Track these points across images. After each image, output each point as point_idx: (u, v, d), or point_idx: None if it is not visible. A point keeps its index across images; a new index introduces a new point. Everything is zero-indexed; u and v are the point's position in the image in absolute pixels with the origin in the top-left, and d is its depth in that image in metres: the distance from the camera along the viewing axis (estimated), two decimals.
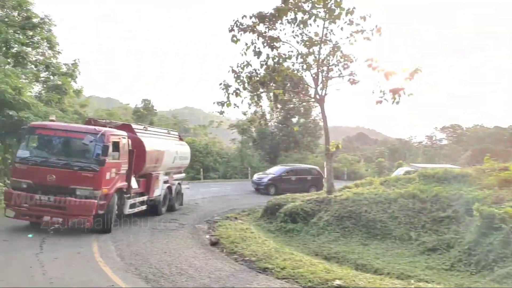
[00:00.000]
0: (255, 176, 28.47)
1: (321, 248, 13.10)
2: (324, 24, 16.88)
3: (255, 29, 17.13)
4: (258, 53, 17.27)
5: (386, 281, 9.33)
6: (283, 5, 16.67)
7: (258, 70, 17.53)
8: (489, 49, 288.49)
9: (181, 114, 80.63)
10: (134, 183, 13.63)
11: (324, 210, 15.58)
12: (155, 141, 15.53)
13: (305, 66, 17.81)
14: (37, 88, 22.35)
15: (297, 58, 17.60)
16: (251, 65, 17.52)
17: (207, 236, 13.47)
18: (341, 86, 18.56)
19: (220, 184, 30.87)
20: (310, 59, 17.59)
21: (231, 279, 8.88)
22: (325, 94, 17.94)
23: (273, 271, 9.54)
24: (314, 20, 16.69)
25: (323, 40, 17.18)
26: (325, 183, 20.42)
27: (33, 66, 22.33)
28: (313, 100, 20.15)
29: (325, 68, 17.74)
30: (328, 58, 17.59)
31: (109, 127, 13.42)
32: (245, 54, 17.30)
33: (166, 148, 16.30)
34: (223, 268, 9.76)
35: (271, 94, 20.33)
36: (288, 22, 17.07)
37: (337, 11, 16.24)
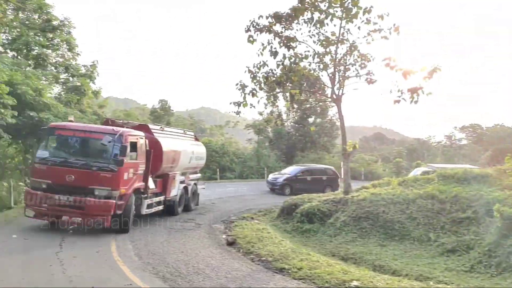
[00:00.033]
0: (270, 176, 28.41)
1: (338, 248, 12.99)
2: (341, 23, 16.77)
3: (271, 29, 17.13)
4: (274, 53, 17.25)
5: (405, 282, 9.24)
6: (299, 4, 16.62)
7: (275, 70, 17.55)
8: (489, 49, 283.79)
9: (198, 115, 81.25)
10: (151, 183, 13.72)
11: (341, 211, 15.45)
12: (171, 141, 15.62)
13: (321, 66, 17.73)
14: (56, 89, 22.80)
15: (313, 58, 17.56)
16: (267, 65, 17.56)
17: (224, 236, 13.52)
18: (358, 86, 18.36)
19: (236, 184, 30.92)
20: (327, 58, 17.52)
21: (247, 279, 8.89)
22: (342, 94, 17.84)
23: (289, 271, 9.52)
24: (331, 20, 16.58)
25: (340, 39, 17.07)
26: (342, 183, 20.29)
27: (53, 68, 22.75)
28: (329, 100, 20.02)
29: (342, 68, 17.60)
30: (345, 57, 17.46)
31: (127, 128, 13.53)
32: (262, 54, 17.31)
33: (183, 148, 16.39)
34: (239, 268, 9.77)
35: (288, 94, 20.32)
36: (305, 22, 17.02)
37: (354, 10, 16.09)
